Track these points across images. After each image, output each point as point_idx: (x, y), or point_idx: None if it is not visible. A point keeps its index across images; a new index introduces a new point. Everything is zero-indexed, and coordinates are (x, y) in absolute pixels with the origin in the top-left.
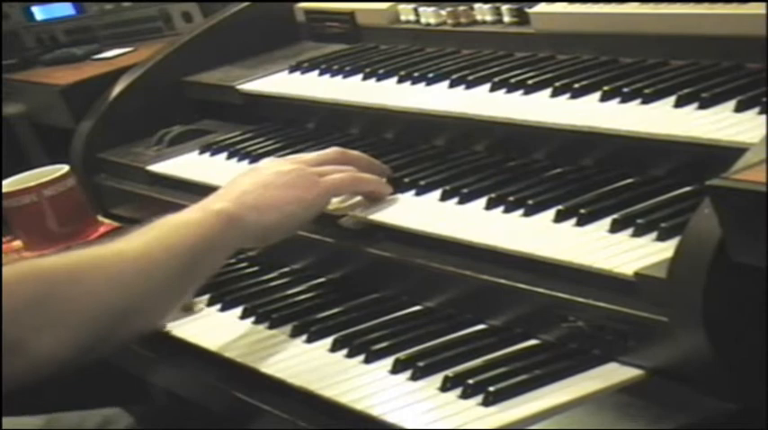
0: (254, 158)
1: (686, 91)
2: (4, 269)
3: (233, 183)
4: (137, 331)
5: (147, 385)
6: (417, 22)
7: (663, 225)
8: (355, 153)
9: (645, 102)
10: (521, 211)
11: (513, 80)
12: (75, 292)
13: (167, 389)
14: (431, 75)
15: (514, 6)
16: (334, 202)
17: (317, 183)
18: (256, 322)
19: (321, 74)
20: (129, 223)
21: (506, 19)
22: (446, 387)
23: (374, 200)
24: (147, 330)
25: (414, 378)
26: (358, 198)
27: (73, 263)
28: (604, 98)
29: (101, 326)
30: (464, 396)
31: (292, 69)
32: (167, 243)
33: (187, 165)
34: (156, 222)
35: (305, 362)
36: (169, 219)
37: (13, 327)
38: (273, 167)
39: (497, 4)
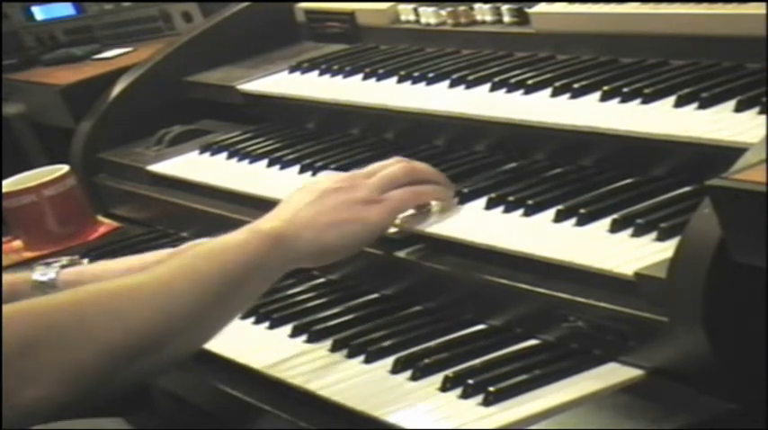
0: (255, 158)
1: (686, 91)
2: (4, 308)
3: (287, 200)
4: (151, 369)
5: (148, 393)
6: (417, 22)
7: (663, 225)
8: (423, 168)
9: (645, 102)
10: (521, 211)
11: (513, 80)
12: (69, 338)
13: (165, 390)
14: (431, 75)
15: (514, 6)
16: None
17: (380, 201)
18: (256, 323)
19: (321, 74)
20: (129, 223)
21: (506, 19)
22: (446, 387)
23: (443, 211)
24: (168, 366)
25: (414, 378)
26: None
27: (72, 303)
28: (604, 98)
29: (98, 372)
30: (464, 396)
31: (292, 69)
32: (194, 272)
33: (187, 165)
34: (192, 246)
35: (305, 363)
36: (207, 243)
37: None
38: (331, 183)
39: (497, 4)
